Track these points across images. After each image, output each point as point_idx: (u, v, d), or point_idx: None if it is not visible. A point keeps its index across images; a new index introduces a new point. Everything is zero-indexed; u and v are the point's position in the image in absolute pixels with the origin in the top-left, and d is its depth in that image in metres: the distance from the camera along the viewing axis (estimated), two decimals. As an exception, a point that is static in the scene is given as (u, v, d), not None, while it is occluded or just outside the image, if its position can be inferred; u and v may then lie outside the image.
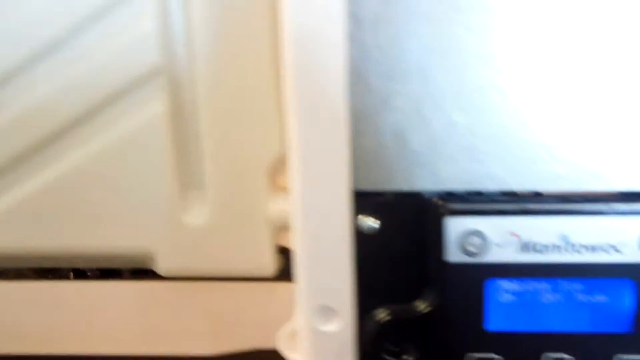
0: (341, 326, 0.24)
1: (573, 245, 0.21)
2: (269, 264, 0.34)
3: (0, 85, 0.30)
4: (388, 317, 0.23)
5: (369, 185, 0.22)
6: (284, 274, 0.36)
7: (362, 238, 0.22)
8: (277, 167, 0.33)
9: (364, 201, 0.22)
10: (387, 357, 0.23)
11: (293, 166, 0.22)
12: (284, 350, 0.32)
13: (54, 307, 0.37)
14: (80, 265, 0.37)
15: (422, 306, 0.22)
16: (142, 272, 0.38)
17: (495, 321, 0.22)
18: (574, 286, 0.21)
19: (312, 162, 0.22)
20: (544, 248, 0.21)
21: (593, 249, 0.21)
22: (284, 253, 0.35)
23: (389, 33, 0.21)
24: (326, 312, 0.24)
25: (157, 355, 0.38)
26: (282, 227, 0.35)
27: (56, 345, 0.37)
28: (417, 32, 0.21)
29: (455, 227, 0.21)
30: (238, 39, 0.30)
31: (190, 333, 0.38)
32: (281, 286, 0.38)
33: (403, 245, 0.22)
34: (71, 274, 0.37)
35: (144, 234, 0.33)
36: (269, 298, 0.37)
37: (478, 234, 0.21)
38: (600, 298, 0.22)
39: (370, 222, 0.22)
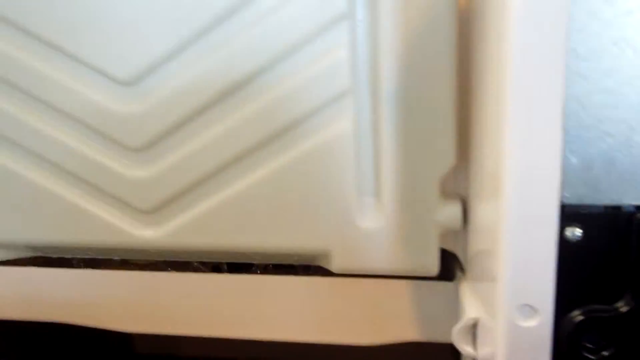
0: (540, 323, 0.26)
1: None
2: (434, 265, 0.38)
3: (222, 100, 0.35)
4: (587, 317, 0.26)
5: (576, 199, 0.25)
6: (441, 274, 0.39)
7: (565, 245, 0.25)
8: (447, 175, 0.36)
9: (570, 213, 0.25)
10: (585, 353, 0.26)
11: (506, 177, 0.25)
12: (459, 343, 0.35)
13: (238, 297, 0.42)
14: (260, 261, 0.41)
15: (622, 308, 0.25)
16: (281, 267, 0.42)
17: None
18: None
19: (525, 175, 0.25)
20: None
21: None
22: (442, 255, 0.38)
23: (604, 65, 0.23)
24: (527, 310, 0.26)
25: (323, 342, 0.42)
26: (446, 232, 0.38)
27: (240, 330, 0.42)
28: (630, 65, 0.23)
29: (664, 238, 0.23)
30: (420, 59, 0.33)
31: (352, 324, 0.42)
32: (439, 285, 0.41)
33: (604, 253, 0.25)
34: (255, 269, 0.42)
35: (323, 235, 0.37)
36: (428, 295, 0.41)
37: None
38: None
39: (575, 232, 0.25)
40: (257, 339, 0.43)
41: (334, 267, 0.38)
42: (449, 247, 0.40)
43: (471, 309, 0.35)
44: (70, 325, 0.47)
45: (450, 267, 0.41)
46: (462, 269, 0.40)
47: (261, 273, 0.42)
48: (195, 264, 0.44)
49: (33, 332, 0.64)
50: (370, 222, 0.37)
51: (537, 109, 0.23)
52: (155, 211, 0.38)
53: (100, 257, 0.43)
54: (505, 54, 0.23)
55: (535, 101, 0.23)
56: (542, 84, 0.23)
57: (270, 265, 0.43)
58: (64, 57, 0.35)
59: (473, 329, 0.35)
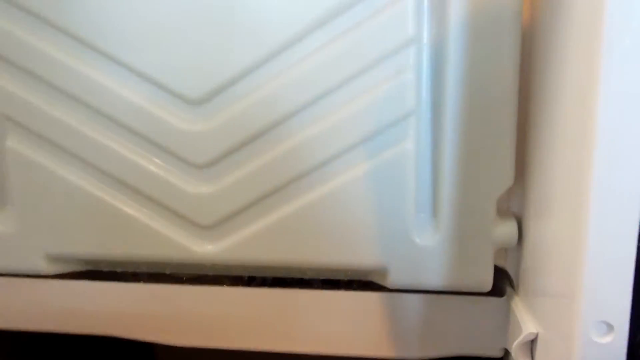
0: (616, 340, 0.27)
1: None
2: (488, 281, 0.39)
3: (287, 120, 0.36)
4: (663, 334, 0.27)
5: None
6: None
7: (644, 264, 0.26)
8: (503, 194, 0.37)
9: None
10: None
11: (588, 199, 0.26)
12: (518, 357, 0.36)
13: (283, 311, 0.42)
14: (313, 276, 0.42)
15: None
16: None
17: None
18: None
19: (606, 196, 0.26)
20: None
21: None
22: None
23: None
24: (603, 326, 0.27)
25: (372, 357, 0.43)
26: (500, 249, 0.39)
27: (284, 343, 0.43)
28: None
29: None
30: (483, 81, 0.34)
31: (398, 338, 0.43)
32: (485, 300, 0.42)
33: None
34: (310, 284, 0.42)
35: (381, 252, 0.38)
36: (475, 310, 0.41)
37: None
38: None
39: (654, 251, 0.26)
40: (301, 353, 0.44)
41: (389, 282, 0.39)
42: (500, 263, 0.41)
43: (529, 324, 0.36)
44: (93, 337, 0.47)
45: (498, 282, 0.41)
46: (512, 285, 0.41)
47: (303, 288, 0.42)
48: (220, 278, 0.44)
49: (56, 342, 0.64)
50: (427, 239, 0.38)
51: (621, 132, 0.25)
52: (215, 227, 0.39)
53: (152, 271, 0.43)
54: (593, 82, 0.25)
55: (621, 125, 0.25)
56: (627, 109, 0.24)
57: (312, 280, 0.43)
58: (135, 75, 0.36)
59: (531, 344, 0.36)
